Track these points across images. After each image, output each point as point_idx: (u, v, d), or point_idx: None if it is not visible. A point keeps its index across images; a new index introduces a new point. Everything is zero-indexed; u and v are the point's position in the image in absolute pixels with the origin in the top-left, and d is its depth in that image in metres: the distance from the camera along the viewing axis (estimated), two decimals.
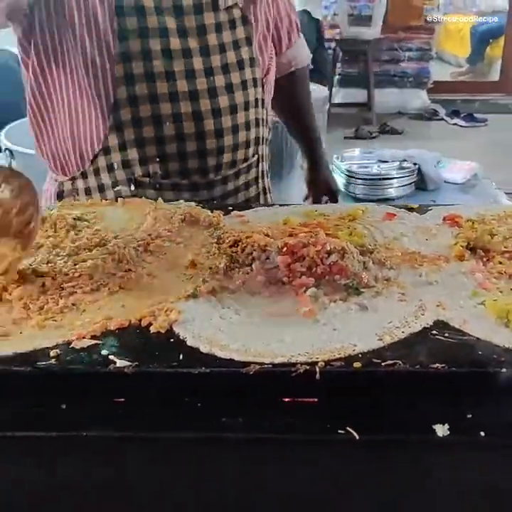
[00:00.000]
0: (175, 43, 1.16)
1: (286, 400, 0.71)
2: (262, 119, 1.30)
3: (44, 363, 0.72)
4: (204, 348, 0.74)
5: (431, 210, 1.12)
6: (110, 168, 1.22)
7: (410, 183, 2.64)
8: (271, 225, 1.03)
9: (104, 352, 0.74)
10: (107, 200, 1.20)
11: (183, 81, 1.17)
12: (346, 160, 2.77)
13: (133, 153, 1.20)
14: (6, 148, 2.34)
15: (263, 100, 1.29)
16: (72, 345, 0.75)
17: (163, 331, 0.77)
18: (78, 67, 1.16)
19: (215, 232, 1.01)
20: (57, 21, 1.14)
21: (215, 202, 1.25)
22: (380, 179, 2.61)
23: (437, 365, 0.71)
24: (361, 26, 5.59)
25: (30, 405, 0.71)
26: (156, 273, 0.90)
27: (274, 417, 0.70)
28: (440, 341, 0.76)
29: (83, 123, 1.21)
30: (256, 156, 1.31)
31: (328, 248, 0.88)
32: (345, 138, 5.04)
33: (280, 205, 1.15)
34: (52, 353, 0.73)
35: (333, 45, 5.68)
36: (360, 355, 0.73)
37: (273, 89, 1.39)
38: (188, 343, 0.75)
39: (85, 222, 1.01)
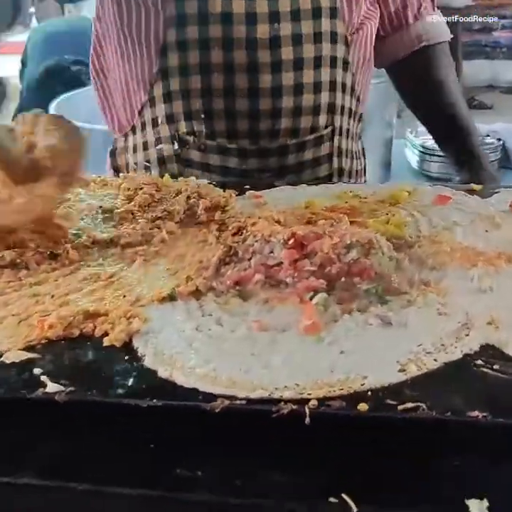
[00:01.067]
0: None
1: (262, 450, 0.53)
2: (343, 84, 1.09)
3: None
4: (163, 371, 0.56)
5: (498, 192, 0.90)
6: (155, 122, 1.08)
7: (492, 162, 2.35)
8: (289, 208, 0.84)
9: (36, 370, 0.57)
10: (148, 161, 1.08)
11: (241, 26, 1.00)
12: (421, 135, 2.49)
13: (178, 106, 1.05)
14: None
15: (347, 61, 1.08)
16: (1, 359, 0.59)
17: (118, 345, 0.60)
18: (130, 4, 1.03)
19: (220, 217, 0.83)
20: None
21: (269, 174, 1.06)
22: None
23: (477, 413, 0.50)
24: None
25: None
26: (133, 267, 0.73)
27: (245, 473, 0.52)
28: (486, 377, 0.55)
29: (129, 70, 1.08)
30: (330, 127, 1.10)
31: (348, 241, 0.68)
32: None
33: (308, 185, 0.95)
34: None
35: None
36: (369, 393, 0.53)
37: (371, 56, 1.16)
38: (145, 364, 0.58)
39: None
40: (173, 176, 0.97)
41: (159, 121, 1.08)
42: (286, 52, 1.02)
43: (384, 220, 0.79)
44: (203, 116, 1.05)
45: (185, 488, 0.51)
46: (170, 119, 1.07)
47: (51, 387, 0.55)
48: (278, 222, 0.77)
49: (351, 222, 0.76)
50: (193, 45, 1.01)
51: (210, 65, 1.02)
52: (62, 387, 0.55)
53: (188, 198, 0.86)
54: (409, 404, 0.51)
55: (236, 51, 1.01)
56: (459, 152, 1.20)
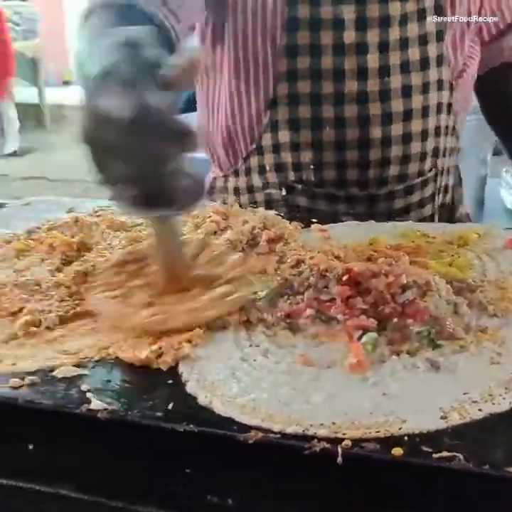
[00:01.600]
0: (349, 36, 1.00)
1: (294, 485, 0.52)
2: (447, 127, 1.10)
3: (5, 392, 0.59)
4: (203, 398, 0.57)
5: None
6: (262, 169, 1.10)
7: None
8: (352, 244, 0.83)
9: (84, 386, 0.59)
10: (254, 203, 1.09)
11: (353, 81, 1.02)
12: None
13: (287, 157, 1.07)
14: None
15: (450, 105, 1.09)
16: (53, 373, 0.62)
17: (164, 369, 0.62)
18: (238, 57, 1.06)
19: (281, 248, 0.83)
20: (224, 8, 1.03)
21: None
22: None
23: None
24: None
25: None
26: (191, 292, 0.74)
27: (275, 507, 0.52)
28: None
29: (233, 119, 1.10)
30: (434, 169, 1.11)
31: (404, 281, 0.67)
32: None
33: (377, 221, 0.94)
34: (27, 380, 0.60)
35: None
36: (406, 438, 0.52)
37: (471, 93, 1.17)
38: (187, 389, 0.59)
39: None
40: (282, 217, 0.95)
41: (267, 168, 1.09)
42: (396, 105, 1.03)
43: (448, 261, 0.77)
44: (312, 166, 1.06)
45: None
46: (278, 168, 1.08)
47: (95, 404, 0.57)
48: (337, 257, 0.77)
49: (412, 262, 0.75)
50: (304, 100, 1.03)
51: (321, 120, 1.03)
52: (105, 405, 0.57)
53: (253, 228, 0.87)
54: (446, 454, 0.50)
55: (347, 105, 1.02)
56: None
